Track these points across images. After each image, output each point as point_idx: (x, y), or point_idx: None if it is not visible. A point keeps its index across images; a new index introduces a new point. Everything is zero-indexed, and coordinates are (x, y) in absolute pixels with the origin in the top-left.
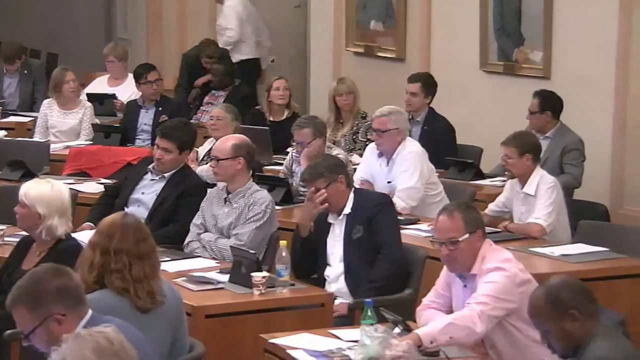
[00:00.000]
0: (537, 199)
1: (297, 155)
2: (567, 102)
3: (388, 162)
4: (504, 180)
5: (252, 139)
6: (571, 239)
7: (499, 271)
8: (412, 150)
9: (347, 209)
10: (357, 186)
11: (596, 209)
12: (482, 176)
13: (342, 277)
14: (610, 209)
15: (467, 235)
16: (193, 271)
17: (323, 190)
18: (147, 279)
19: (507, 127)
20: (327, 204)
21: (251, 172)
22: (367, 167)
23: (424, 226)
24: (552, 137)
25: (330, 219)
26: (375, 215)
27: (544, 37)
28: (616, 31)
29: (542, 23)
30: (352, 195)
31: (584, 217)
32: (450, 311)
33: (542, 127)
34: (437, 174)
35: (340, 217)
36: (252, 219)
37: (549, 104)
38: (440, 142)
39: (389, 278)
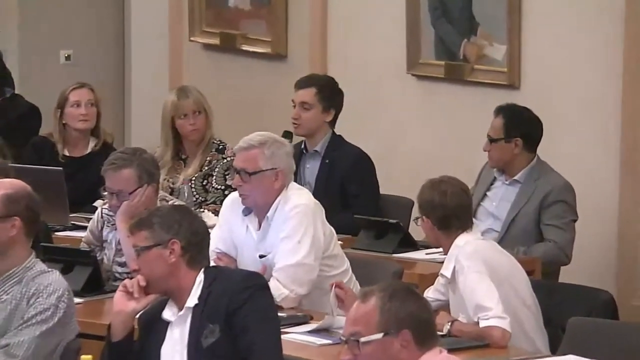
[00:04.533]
0: (466, 287)
1: (111, 213)
2: (548, 124)
3: (260, 224)
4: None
5: (34, 186)
6: (548, 345)
7: None
8: (298, 204)
9: (193, 299)
10: (211, 262)
11: (595, 297)
12: (413, 245)
13: None
14: (618, 298)
15: (379, 336)
16: None
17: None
18: None
19: (453, 163)
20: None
21: (32, 241)
22: (227, 231)
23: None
24: (524, 181)
25: (166, 315)
26: (240, 307)
27: (509, 21)
28: (623, 10)
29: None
30: (200, 276)
31: (576, 312)
32: None
33: (508, 164)
34: (341, 242)
35: (182, 311)
36: (33, 320)
37: (519, 127)
38: (348, 188)
39: None
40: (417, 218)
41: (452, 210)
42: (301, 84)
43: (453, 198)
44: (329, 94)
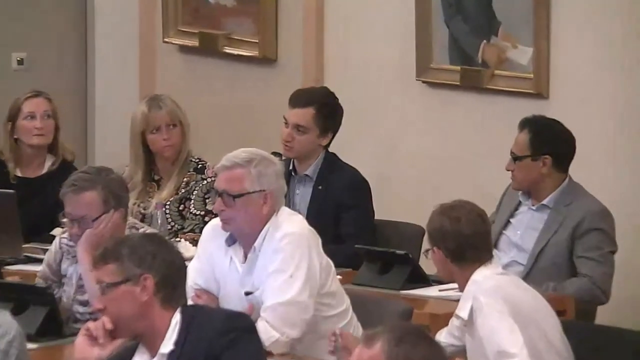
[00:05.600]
0: (485, 330)
1: (72, 243)
2: (581, 140)
3: (246, 256)
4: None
5: None
6: None
7: None
8: (290, 232)
9: (167, 345)
10: (189, 301)
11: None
12: (424, 280)
13: None
14: None
15: None
16: None
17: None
18: None
19: (469, 186)
20: (122, 337)
21: None
22: (207, 263)
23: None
24: (554, 206)
25: None
26: (222, 353)
27: (536, 19)
28: None
29: None
30: (176, 317)
31: (616, 359)
32: None
33: (535, 186)
34: (340, 276)
35: (155, 359)
36: None
37: (548, 143)
38: (347, 216)
39: None
40: (427, 250)
41: (467, 239)
42: (297, 102)
43: (468, 225)
44: (328, 115)
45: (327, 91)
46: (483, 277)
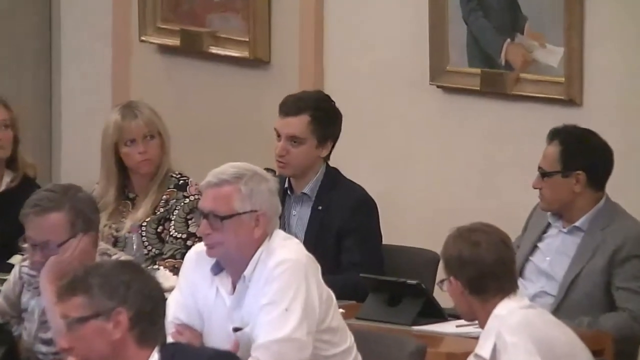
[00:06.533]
0: None
1: (33, 272)
2: (620, 153)
3: (234, 286)
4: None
5: None
6: None
7: None
8: (285, 259)
9: None
10: (169, 338)
11: None
12: (439, 314)
13: None
14: None
15: None
16: None
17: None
18: None
19: (491, 206)
20: None
21: None
22: (189, 295)
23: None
24: (589, 228)
25: None
26: None
27: (568, 15)
28: None
29: None
30: (154, 356)
31: None
32: None
33: (567, 207)
34: (342, 309)
35: None
36: None
37: (582, 157)
38: (350, 240)
39: None
40: (442, 280)
41: (488, 268)
42: (288, 110)
43: (489, 251)
44: (326, 121)
45: (321, 94)
46: (507, 311)
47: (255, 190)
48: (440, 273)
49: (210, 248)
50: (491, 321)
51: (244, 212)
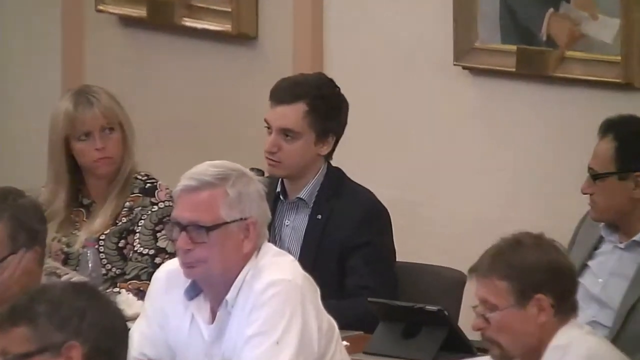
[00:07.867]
0: None
1: None
2: None
3: (214, 314)
4: None
5: None
6: None
7: None
8: (277, 280)
9: None
10: None
11: None
12: (466, 347)
13: None
14: None
15: None
16: None
17: None
18: None
19: (531, 214)
20: None
21: None
22: (158, 325)
23: None
24: None
25: None
26: None
27: None
28: None
29: None
30: None
31: None
32: None
33: (624, 216)
34: (347, 342)
35: None
36: None
37: None
38: (357, 257)
39: None
40: (474, 306)
41: (573, 281)
42: (281, 97)
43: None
44: (327, 111)
45: (322, 78)
46: (570, 341)
47: (244, 194)
48: (467, 297)
49: (189, 267)
50: (551, 353)
51: (233, 221)
